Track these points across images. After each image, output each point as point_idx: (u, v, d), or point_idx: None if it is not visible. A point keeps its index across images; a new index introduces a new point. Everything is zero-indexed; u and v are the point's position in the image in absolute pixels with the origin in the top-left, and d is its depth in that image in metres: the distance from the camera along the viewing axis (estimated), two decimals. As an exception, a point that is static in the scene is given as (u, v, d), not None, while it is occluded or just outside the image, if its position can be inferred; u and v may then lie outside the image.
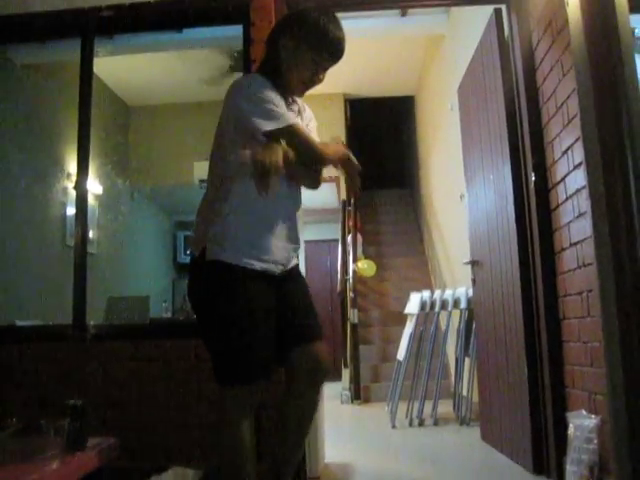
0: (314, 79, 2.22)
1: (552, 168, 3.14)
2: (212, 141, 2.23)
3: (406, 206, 10.71)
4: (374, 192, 10.54)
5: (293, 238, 2.22)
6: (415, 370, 5.48)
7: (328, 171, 2.30)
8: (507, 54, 3.58)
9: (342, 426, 5.33)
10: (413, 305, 5.73)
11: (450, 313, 5.43)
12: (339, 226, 8.87)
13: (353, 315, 7.18)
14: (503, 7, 3.63)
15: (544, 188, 3.24)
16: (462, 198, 5.23)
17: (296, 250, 2.26)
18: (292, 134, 2.07)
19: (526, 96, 3.38)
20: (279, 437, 2.22)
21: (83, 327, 3.53)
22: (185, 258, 9.47)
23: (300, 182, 2.26)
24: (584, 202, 2.66)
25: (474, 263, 4.27)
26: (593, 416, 2.66)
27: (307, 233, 9.64)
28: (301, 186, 2.29)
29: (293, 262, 2.28)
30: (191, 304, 2.20)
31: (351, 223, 8.25)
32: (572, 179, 2.84)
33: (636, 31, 2.63)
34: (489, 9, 3.72)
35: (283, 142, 2.09)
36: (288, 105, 2.21)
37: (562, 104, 2.92)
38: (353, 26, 5.90)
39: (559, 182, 3.03)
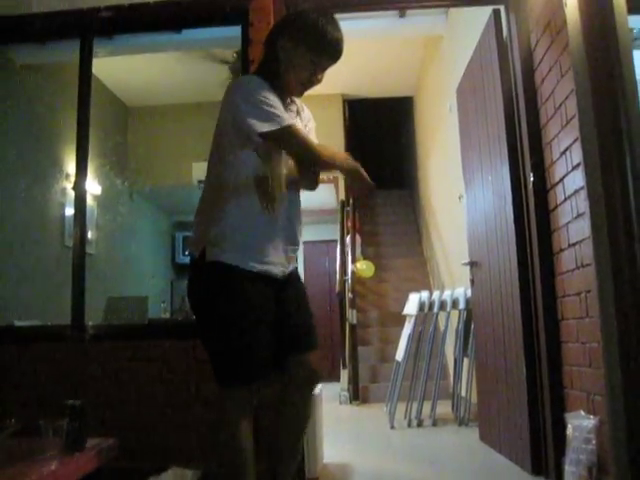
0: (312, 80, 2.22)
1: (550, 169, 3.15)
2: (211, 142, 2.23)
3: (405, 207, 10.71)
4: (374, 193, 10.51)
5: (292, 239, 2.22)
6: (414, 371, 5.48)
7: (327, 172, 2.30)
8: (506, 55, 3.59)
9: (341, 427, 5.32)
10: (412, 306, 5.73)
11: (449, 314, 5.43)
12: (338, 227, 8.87)
13: (352, 316, 7.18)
14: (502, 8, 3.63)
15: (542, 189, 3.25)
16: (461, 199, 5.23)
17: (295, 251, 2.26)
18: (289, 135, 2.07)
19: (524, 97, 3.38)
20: (274, 446, 2.23)
21: (82, 327, 3.53)
22: (184, 259, 9.47)
23: (298, 184, 2.27)
24: (582, 203, 2.66)
25: (473, 264, 4.27)
26: (591, 417, 2.66)
27: (305, 234, 9.52)
28: (300, 188, 2.29)
29: (293, 265, 2.29)
30: (191, 304, 2.20)
31: (350, 224, 8.25)
32: (570, 180, 2.84)
33: (634, 31, 2.64)
34: (488, 10, 3.72)
35: (286, 157, 2.12)
36: (286, 106, 2.21)
37: (560, 105, 2.92)
38: (352, 27, 5.91)
39: (557, 183, 3.03)
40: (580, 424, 2.71)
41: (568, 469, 2.76)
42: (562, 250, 3.02)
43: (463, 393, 5.04)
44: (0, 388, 3.35)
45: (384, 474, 3.63)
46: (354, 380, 6.86)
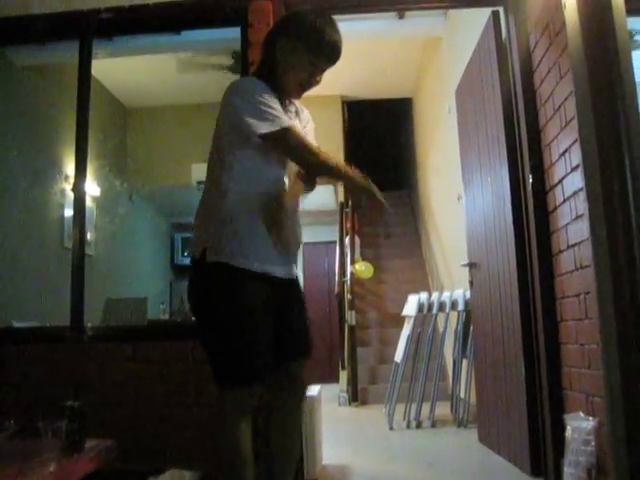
0: (311, 81, 2.22)
1: (550, 170, 3.15)
2: (210, 143, 2.23)
3: (404, 208, 10.71)
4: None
5: (293, 239, 2.22)
6: (413, 372, 5.48)
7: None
8: (505, 56, 3.59)
9: (339, 428, 5.32)
10: (411, 307, 5.73)
11: (448, 315, 5.43)
12: (337, 228, 8.87)
13: (351, 317, 7.18)
14: (500, 9, 3.63)
15: (542, 190, 3.25)
16: (460, 200, 5.24)
17: (296, 252, 2.26)
18: (288, 137, 2.07)
19: (523, 98, 3.38)
20: (268, 455, 2.24)
21: (81, 328, 3.52)
22: (183, 260, 9.48)
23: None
24: (581, 204, 2.66)
25: (472, 265, 4.27)
26: (590, 418, 2.66)
27: (304, 235, 9.55)
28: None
29: (294, 269, 2.29)
30: (191, 305, 2.19)
31: (349, 225, 8.26)
32: (570, 181, 2.84)
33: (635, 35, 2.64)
34: (487, 11, 3.73)
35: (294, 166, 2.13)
36: (285, 107, 2.21)
37: (559, 106, 2.93)
38: (351, 28, 5.91)
39: (557, 184, 3.03)
40: (579, 425, 2.71)
41: (567, 470, 2.76)
42: (561, 251, 3.02)
43: (462, 394, 5.04)
44: (-1, 389, 3.35)
45: (383, 475, 3.63)
46: (353, 381, 6.87)
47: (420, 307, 5.52)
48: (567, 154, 2.85)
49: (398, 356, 5.72)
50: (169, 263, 9.62)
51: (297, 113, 2.31)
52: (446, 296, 5.39)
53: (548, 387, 3.14)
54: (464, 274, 4.63)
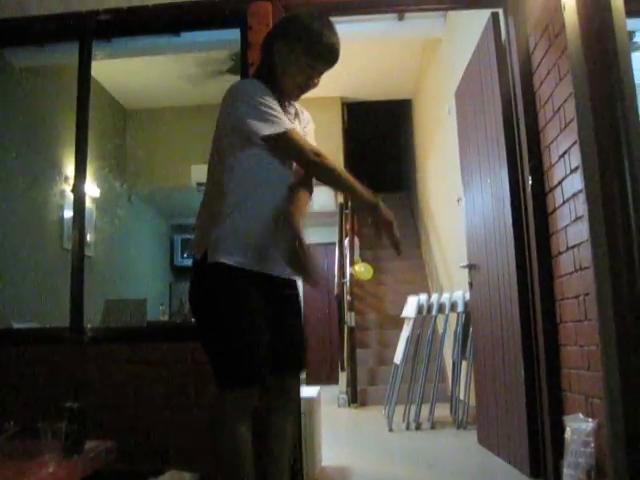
0: (309, 83, 2.22)
1: (549, 172, 3.15)
2: (210, 144, 2.23)
3: (403, 209, 10.71)
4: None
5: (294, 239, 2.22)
6: (412, 373, 5.48)
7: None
8: (504, 58, 3.59)
9: (339, 429, 5.33)
10: (410, 308, 5.73)
11: (447, 316, 5.43)
12: (336, 229, 8.87)
13: (350, 318, 7.18)
14: (500, 11, 3.63)
15: (541, 192, 3.25)
16: (459, 201, 5.24)
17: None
18: (289, 138, 2.08)
19: (523, 100, 3.38)
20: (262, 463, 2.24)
21: (80, 330, 3.52)
22: (182, 261, 9.49)
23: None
24: (581, 206, 2.66)
25: (471, 267, 4.27)
26: (590, 420, 2.66)
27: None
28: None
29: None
30: (192, 306, 2.19)
31: (348, 226, 8.26)
32: (569, 183, 2.84)
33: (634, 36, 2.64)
34: (486, 13, 3.73)
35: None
36: (285, 109, 2.22)
37: (559, 108, 2.93)
38: (350, 30, 5.93)
39: (556, 186, 3.03)
40: (579, 427, 2.71)
41: (566, 472, 2.76)
42: (560, 253, 3.02)
43: (461, 396, 5.05)
44: (-2, 390, 3.35)
45: (382, 477, 3.63)
46: (352, 383, 6.86)
47: (419, 309, 5.52)
48: (566, 156, 2.85)
49: (397, 357, 5.72)
50: (168, 264, 9.63)
51: (297, 115, 2.32)
52: (445, 298, 5.39)
53: (547, 388, 3.14)
54: (463, 276, 4.63)
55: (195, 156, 6.83)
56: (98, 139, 6.16)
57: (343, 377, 7.17)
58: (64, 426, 2.29)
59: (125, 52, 4.84)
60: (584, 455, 2.64)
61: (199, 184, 6.70)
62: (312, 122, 2.40)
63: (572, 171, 2.78)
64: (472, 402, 4.72)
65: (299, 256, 2.02)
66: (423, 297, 5.59)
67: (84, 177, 3.76)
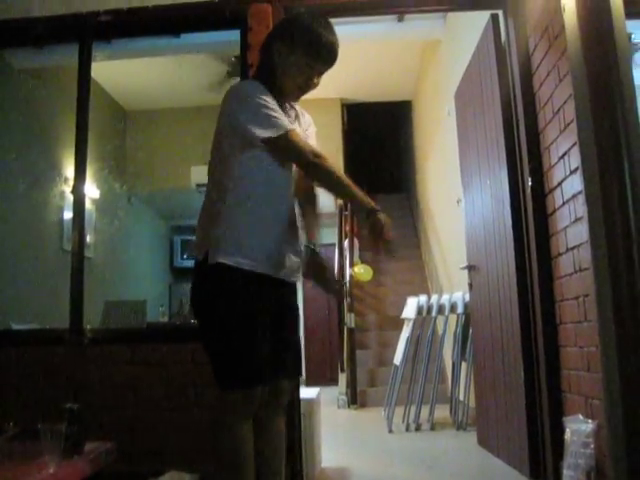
0: (309, 84, 2.23)
1: (549, 173, 3.15)
2: (210, 146, 2.23)
3: (403, 210, 10.71)
4: (371, 197, 10.51)
5: (295, 240, 2.22)
6: (412, 375, 5.48)
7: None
8: (504, 59, 3.59)
9: (339, 431, 5.32)
10: (410, 310, 5.73)
11: (447, 318, 5.43)
12: (336, 230, 8.86)
13: (350, 319, 7.17)
14: (500, 13, 3.63)
15: (541, 193, 3.25)
16: (459, 203, 5.24)
17: (298, 253, 2.25)
18: (289, 140, 2.08)
19: (523, 101, 3.38)
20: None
21: (80, 331, 3.52)
22: (182, 262, 9.50)
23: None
24: (580, 207, 2.66)
25: (471, 268, 4.27)
26: (590, 421, 2.66)
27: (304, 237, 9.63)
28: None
29: (296, 274, 2.29)
30: (193, 307, 2.19)
31: (348, 228, 8.26)
32: (569, 184, 2.84)
33: (632, 36, 2.64)
34: (486, 15, 3.73)
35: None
36: (285, 111, 2.22)
37: (559, 109, 2.93)
38: (350, 31, 5.92)
39: (556, 187, 3.04)
40: (578, 428, 2.71)
41: (566, 473, 2.76)
42: (560, 254, 3.02)
43: (461, 397, 5.04)
44: (-2, 391, 3.35)
45: (382, 478, 3.63)
46: (352, 384, 6.86)
47: (419, 310, 5.51)
48: (566, 157, 2.85)
49: (397, 359, 5.72)
50: (168, 266, 9.64)
51: (297, 116, 2.32)
52: (445, 299, 5.39)
53: (547, 390, 3.14)
54: (463, 277, 4.63)
55: (195, 157, 6.84)
56: (98, 140, 6.16)
57: (343, 378, 7.16)
58: (64, 427, 2.29)
59: (125, 53, 4.84)
60: (584, 456, 2.64)
61: (199, 185, 6.71)
62: (313, 125, 2.40)
63: (572, 172, 2.79)
64: (472, 403, 4.72)
65: (321, 269, 2.07)
66: (423, 298, 5.58)
67: (84, 178, 3.76)
